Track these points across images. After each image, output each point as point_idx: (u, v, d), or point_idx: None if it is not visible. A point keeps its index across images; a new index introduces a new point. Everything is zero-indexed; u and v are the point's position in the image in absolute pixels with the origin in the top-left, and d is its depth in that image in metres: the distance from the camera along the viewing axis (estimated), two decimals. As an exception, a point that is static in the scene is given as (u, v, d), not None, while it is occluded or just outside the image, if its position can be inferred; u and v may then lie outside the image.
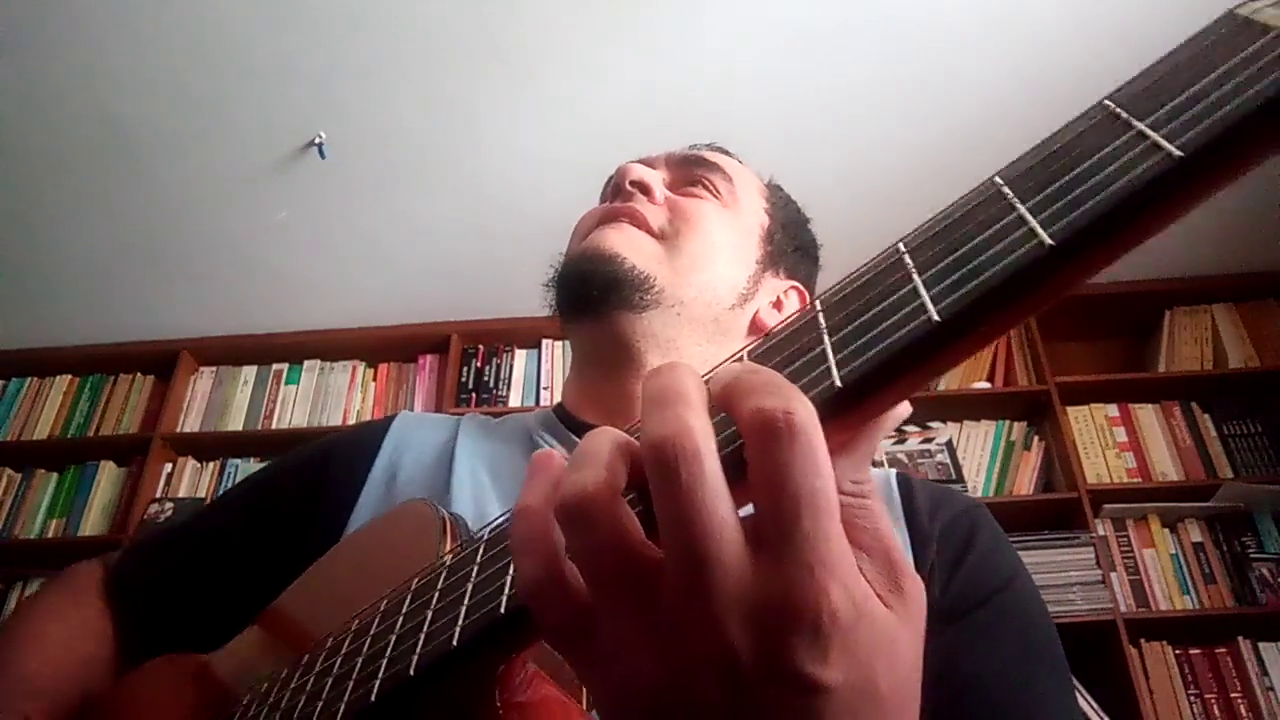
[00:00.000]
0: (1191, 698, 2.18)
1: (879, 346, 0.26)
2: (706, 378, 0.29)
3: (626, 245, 0.72)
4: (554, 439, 0.73)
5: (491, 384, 2.83)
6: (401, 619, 0.38)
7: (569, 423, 0.75)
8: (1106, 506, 2.40)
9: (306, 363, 2.97)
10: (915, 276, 0.27)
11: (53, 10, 2.01)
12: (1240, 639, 2.24)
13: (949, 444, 2.55)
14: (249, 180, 2.45)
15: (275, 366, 2.97)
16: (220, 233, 2.61)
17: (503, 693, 0.36)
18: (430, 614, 0.36)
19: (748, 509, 0.26)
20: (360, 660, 0.39)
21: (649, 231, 0.74)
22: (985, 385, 2.66)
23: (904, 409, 0.28)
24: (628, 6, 2.04)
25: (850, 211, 2.24)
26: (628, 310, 0.71)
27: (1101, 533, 2.37)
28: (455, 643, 0.33)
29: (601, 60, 2.15)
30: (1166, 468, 2.49)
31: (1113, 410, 2.59)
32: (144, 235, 2.61)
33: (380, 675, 0.36)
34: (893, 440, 2.57)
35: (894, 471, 0.73)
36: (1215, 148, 0.22)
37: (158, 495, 2.76)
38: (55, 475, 2.86)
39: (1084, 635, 2.20)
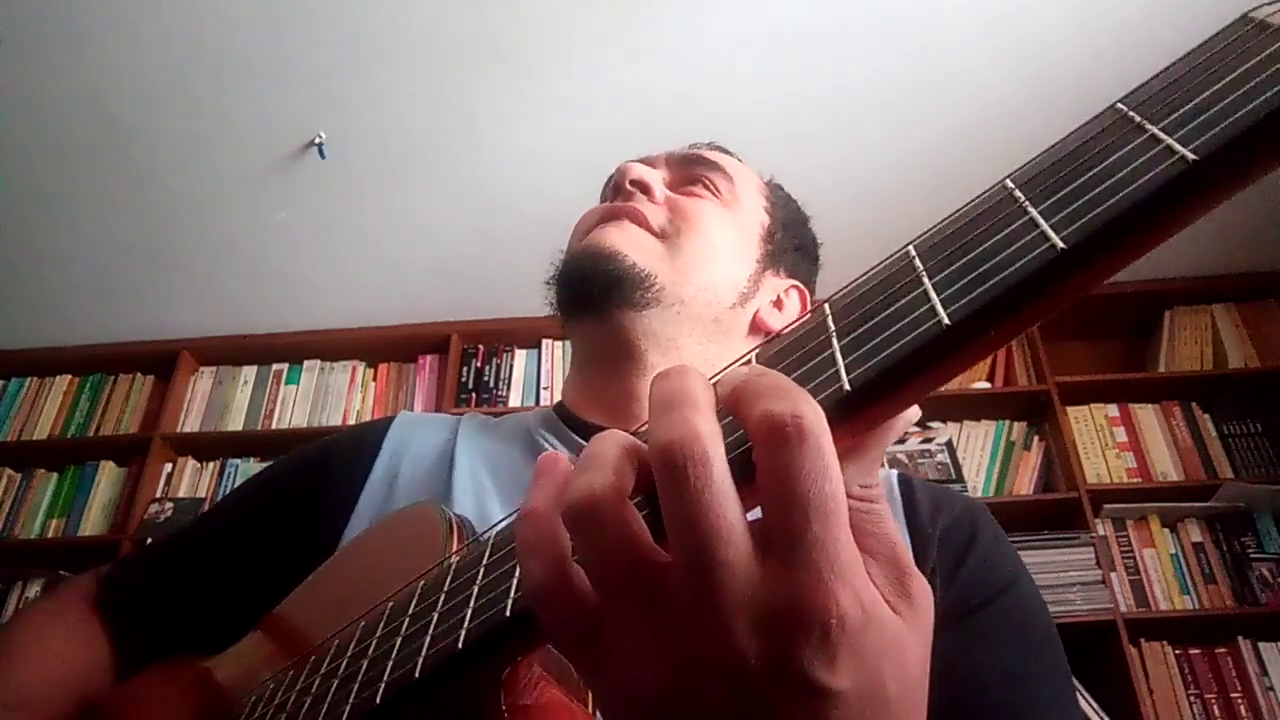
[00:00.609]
0: (1191, 698, 2.18)
1: (889, 350, 0.26)
2: (714, 380, 0.29)
3: (627, 243, 0.72)
4: (554, 438, 0.73)
5: (491, 384, 2.83)
6: (407, 621, 0.38)
7: (569, 421, 0.75)
8: (1106, 506, 2.40)
9: (306, 363, 2.97)
10: (925, 280, 0.27)
11: (53, 11, 2.01)
12: (1240, 639, 2.24)
13: (949, 444, 2.55)
14: (249, 180, 2.44)
15: (275, 366, 2.97)
16: (220, 233, 2.60)
17: (508, 696, 0.35)
18: (436, 616, 0.36)
19: (756, 513, 0.26)
20: (366, 662, 0.39)
21: (649, 230, 0.74)
22: (985, 385, 2.66)
23: (913, 413, 0.28)
24: (628, 7, 2.04)
25: (850, 211, 2.24)
26: (628, 308, 0.70)
27: (1101, 533, 2.37)
28: (461, 645, 0.33)
29: (601, 60, 2.15)
30: (1166, 468, 2.49)
31: (1113, 410, 2.59)
32: (144, 235, 2.60)
33: (385, 677, 0.36)
34: (894, 442, 2.56)
35: (895, 472, 0.73)
36: (1229, 152, 0.22)
37: (158, 495, 2.76)
38: (55, 475, 2.85)
39: (1084, 635, 2.20)
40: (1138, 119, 0.24)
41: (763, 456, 0.25)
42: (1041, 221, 0.24)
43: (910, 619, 0.27)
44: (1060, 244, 0.23)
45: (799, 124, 2.26)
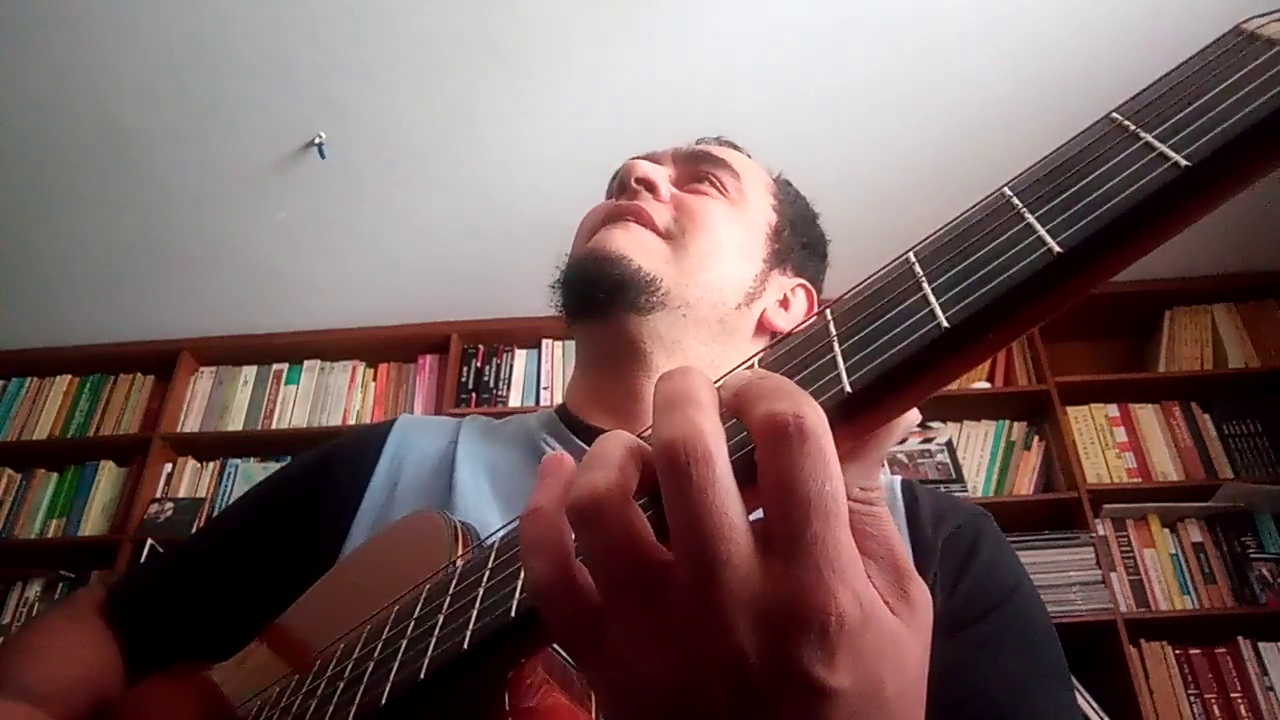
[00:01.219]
0: (1191, 698, 2.18)
1: (889, 353, 0.26)
2: (718, 383, 0.29)
3: (632, 246, 0.71)
4: (557, 441, 0.72)
5: (491, 384, 2.83)
6: (413, 624, 0.38)
7: (572, 424, 0.74)
8: (1106, 506, 2.40)
9: (306, 363, 2.97)
10: (925, 285, 0.27)
11: (53, 11, 2.01)
12: (1240, 639, 2.24)
13: (949, 444, 2.55)
14: (249, 180, 2.45)
15: (275, 366, 2.97)
16: (220, 233, 2.61)
17: (512, 698, 0.36)
18: (441, 619, 0.36)
19: (758, 514, 0.26)
20: (371, 665, 0.39)
21: (655, 230, 0.73)
22: (985, 385, 2.66)
23: (914, 416, 0.29)
24: (628, 7, 2.04)
25: (850, 210, 2.24)
26: (634, 312, 0.70)
27: (1101, 533, 2.37)
28: (466, 646, 0.33)
29: (602, 60, 2.15)
30: (1166, 468, 2.49)
31: (1113, 410, 2.59)
32: (144, 235, 2.61)
33: (391, 679, 0.36)
34: (895, 445, 2.56)
35: (898, 479, 0.72)
36: (1221, 159, 0.22)
37: (158, 495, 2.76)
38: (55, 475, 2.86)
39: (1084, 635, 2.20)
40: (1132, 127, 0.25)
41: (765, 456, 0.25)
42: (1038, 226, 0.25)
43: (909, 620, 0.27)
44: (1056, 248, 0.24)
45: (799, 123, 2.26)
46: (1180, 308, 2.70)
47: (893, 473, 2.28)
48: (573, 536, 0.28)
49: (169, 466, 2.84)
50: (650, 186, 0.75)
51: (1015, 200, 0.27)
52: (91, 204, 2.50)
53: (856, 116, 2.27)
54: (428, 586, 0.40)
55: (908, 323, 0.26)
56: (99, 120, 2.27)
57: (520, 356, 2.88)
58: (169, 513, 2.68)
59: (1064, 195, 0.25)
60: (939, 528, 0.66)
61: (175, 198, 2.49)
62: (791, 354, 0.30)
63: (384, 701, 0.36)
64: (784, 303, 0.79)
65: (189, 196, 2.49)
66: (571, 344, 0.85)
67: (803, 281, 0.81)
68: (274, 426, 2.85)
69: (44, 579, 2.68)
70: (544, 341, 2.86)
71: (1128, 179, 0.24)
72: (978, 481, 2.52)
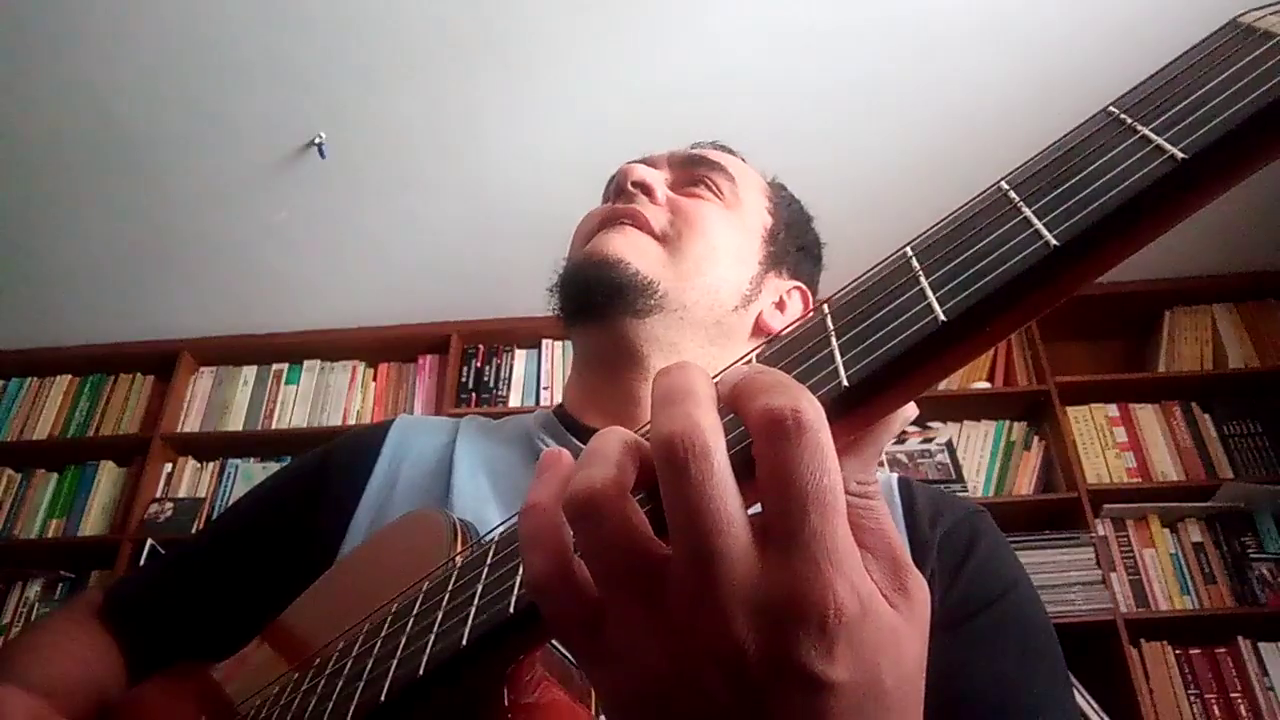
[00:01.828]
0: (1191, 698, 2.18)
1: (886, 347, 0.26)
2: (716, 379, 0.29)
3: (629, 249, 0.71)
4: (555, 442, 0.72)
5: (491, 384, 2.83)
6: (412, 620, 0.38)
7: (569, 425, 0.75)
8: (1106, 506, 2.40)
9: (306, 363, 2.97)
10: (922, 279, 0.27)
11: (53, 11, 2.02)
12: (1240, 639, 2.24)
13: (949, 444, 2.55)
14: (249, 180, 2.45)
15: (275, 366, 2.97)
16: (220, 233, 2.61)
17: (511, 693, 0.36)
18: (441, 614, 0.36)
19: (756, 509, 0.26)
20: (371, 661, 0.39)
21: (651, 234, 0.73)
22: (985, 385, 2.66)
23: (910, 410, 0.29)
24: (628, 7, 2.04)
25: (850, 210, 2.25)
26: (631, 315, 0.70)
27: (1101, 533, 2.37)
28: (465, 642, 0.33)
29: (602, 60, 2.15)
30: (1166, 468, 2.49)
31: (1113, 410, 2.59)
32: (144, 235, 2.61)
33: (390, 675, 0.36)
34: (892, 440, 2.56)
35: (895, 476, 0.73)
36: (1217, 151, 0.22)
37: (158, 495, 2.76)
38: (55, 475, 2.86)
39: (1084, 635, 2.20)
40: (1129, 120, 0.25)
41: (762, 450, 0.25)
42: (1035, 220, 0.25)
43: (907, 613, 0.27)
44: (1053, 241, 0.24)
45: (799, 123, 2.26)
46: (1180, 308, 2.70)
47: (891, 472, 2.28)
48: (571, 532, 0.28)
49: (169, 466, 2.84)
50: (646, 190, 0.75)
51: (1012, 194, 0.27)
52: (92, 204, 2.50)
53: (857, 116, 2.27)
54: (427, 583, 0.40)
55: (905, 317, 0.26)
56: (99, 120, 2.27)
57: (520, 356, 2.88)
58: (169, 513, 2.68)
59: (1060, 189, 0.25)
60: (936, 524, 0.66)
61: (175, 198, 2.49)
62: (789, 349, 0.30)
63: (384, 698, 0.36)
64: (780, 305, 0.79)
65: (189, 197, 2.49)
66: (571, 344, 0.84)
67: (798, 284, 0.81)
68: (274, 426, 2.85)
69: (44, 579, 2.68)
70: (544, 341, 2.86)
71: (1124, 172, 0.24)
72: (978, 481, 2.52)
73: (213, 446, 2.86)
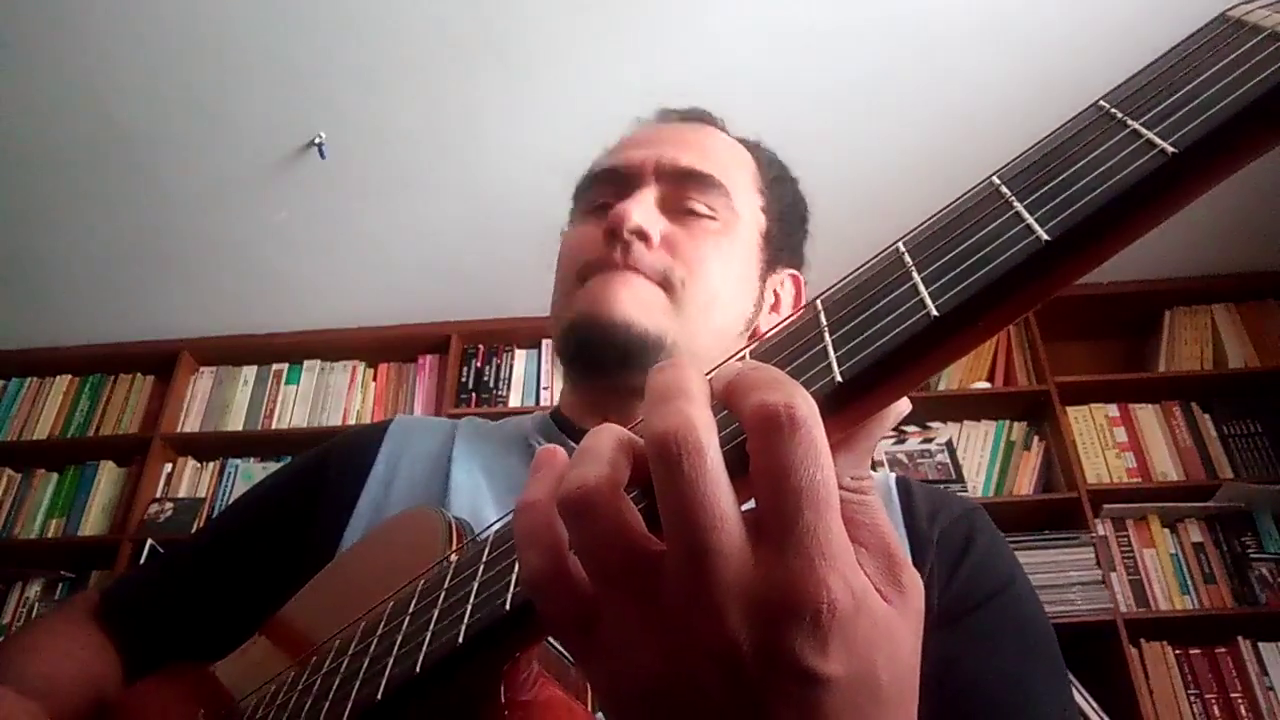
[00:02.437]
0: (1191, 698, 2.18)
1: (879, 342, 0.26)
2: (709, 375, 0.29)
3: (636, 307, 0.68)
4: (550, 443, 0.72)
5: (491, 384, 2.83)
6: (408, 619, 0.38)
7: (567, 428, 0.74)
8: (1106, 506, 2.40)
9: (306, 363, 2.97)
10: (914, 274, 0.27)
11: (53, 11, 2.02)
12: (1240, 639, 2.24)
13: (949, 444, 2.55)
14: (249, 180, 2.45)
15: (275, 366, 2.97)
16: (220, 233, 2.61)
17: (508, 691, 0.36)
18: (436, 613, 0.36)
19: (750, 505, 0.26)
20: (367, 660, 0.39)
21: (653, 280, 0.70)
22: (985, 385, 2.66)
23: (904, 405, 0.29)
24: (628, 7, 2.04)
25: (850, 211, 2.25)
26: (640, 370, 0.67)
27: (1101, 533, 2.37)
28: (462, 640, 0.33)
29: (601, 60, 2.15)
30: (1166, 468, 2.49)
31: (1113, 410, 2.59)
32: (144, 235, 2.61)
33: (387, 674, 0.36)
34: (893, 440, 2.57)
35: (893, 475, 0.72)
36: (1207, 145, 0.22)
37: (158, 495, 2.76)
38: (55, 475, 2.86)
39: (1084, 635, 2.20)
40: (1119, 115, 0.25)
41: (756, 446, 0.25)
42: (1026, 215, 0.25)
43: (901, 608, 0.27)
44: (1045, 235, 0.24)
45: (800, 123, 2.26)
46: (1180, 308, 2.70)
47: (890, 471, 2.28)
48: (565, 529, 0.28)
49: (169, 466, 2.84)
50: (643, 237, 0.70)
51: (1004, 189, 0.27)
52: (92, 204, 2.51)
53: (857, 117, 2.27)
54: (423, 581, 0.40)
55: (897, 312, 0.26)
56: (99, 120, 2.27)
57: (520, 356, 2.88)
58: (169, 513, 2.68)
59: (1052, 183, 0.25)
60: (934, 522, 0.66)
61: (175, 198, 2.49)
62: (783, 345, 0.30)
63: (380, 696, 0.36)
64: (775, 304, 0.78)
65: (189, 196, 2.49)
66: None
67: (790, 270, 0.80)
68: (274, 426, 2.85)
69: (44, 579, 2.68)
70: (544, 341, 2.86)
71: (1115, 166, 0.24)
72: (978, 482, 2.52)
73: (213, 446, 2.86)
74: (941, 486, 2.35)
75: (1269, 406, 2.52)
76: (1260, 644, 2.24)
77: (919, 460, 2.52)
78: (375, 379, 2.95)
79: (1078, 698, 2.11)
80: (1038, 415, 2.61)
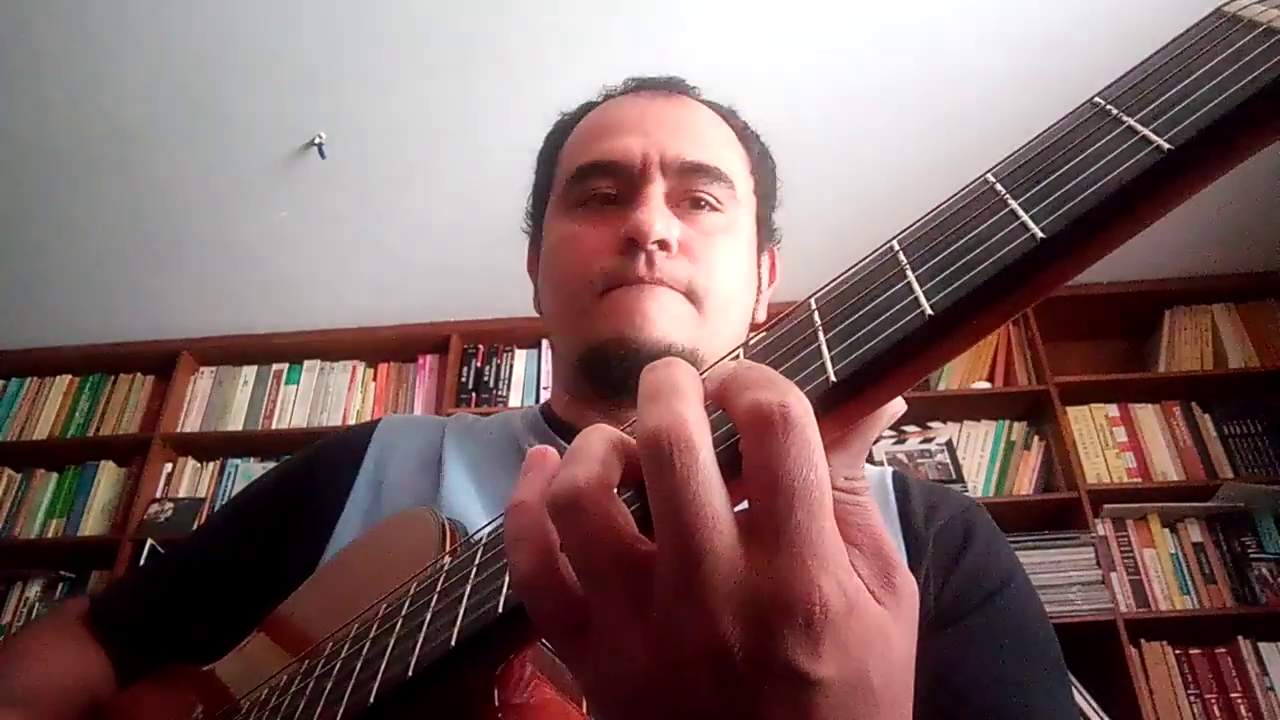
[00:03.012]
0: (1191, 698, 2.18)
1: (873, 342, 0.26)
2: (703, 375, 0.29)
3: (669, 324, 0.67)
4: (541, 442, 0.70)
5: (491, 384, 2.83)
6: (400, 621, 0.38)
7: (556, 425, 0.74)
8: (1106, 506, 2.40)
9: (306, 363, 2.97)
10: (909, 272, 0.27)
11: (53, 11, 2.02)
12: (1240, 639, 2.24)
13: (949, 444, 2.55)
14: (249, 180, 2.45)
15: (275, 366, 2.97)
16: (220, 233, 2.61)
17: (502, 694, 0.36)
18: (429, 615, 0.36)
19: (743, 507, 0.26)
20: (359, 663, 0.39)
21: (680, 292, 0.68)
22: (985, 385, 2.66)
23: (898, 406, 0.29)
24: (628, 7, 2.04)
25: (850, 211, 2.25)
26: None
27: (1101, 533, 2.37)
28: (454, 643, 0.33)
29: (601, 59, 2.15)
30: (1166, 468, 2.49)
31: (1113, 410, 2.59)
32: (144, 235, 2.61)
33: (379, 677, 0.36)
34: (892, 440, 2.57)
35: (890, 470, 0.71)
36: (1203, 141, 0.22)
37: (158, 495, 2.76)
38: (55, 475, 2.86)
39: (1084, 635, 2.20)
40: (1115, 111, 0.25)
41: (749, 446, 0.25)
42: (1021, 212, 0.25)
43: (894, 609, 0.27)
44: (1040, 233, 0.24)
45: (801, 123, 2.26)
46: (1180, 308, 2.70)
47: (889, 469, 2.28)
48: (555, 530, 0.28)
49: (169, 466, 2.84)
50: (665, 246, 0.68)
51: (999, 186, 0.27)
52: (92, 204, 2.50)
53: (857, 117, 2.27)
54: (416, 584, 0.40)
55: (892, 310, 0.26)
56: (99, 120, 2.27)
57: (520, 356, 2.88)
58: (169, 513, 2.68)
59: (1047, 180, 0.25)
60: (931, 520, 0.65)
61: (175, 198, 2.49)
62: (777, 344, 0.30)
63: (373, 700, 0.36)
64: (761, 286, 0.78)
65: (189, 196, 2.49)
66: (553, 350, 0.81)
67: (770, 246, 0.80)
68: (274, 427, 2.85)
69: (44, 579, 2.68)
70: (544, 341, 2.85)
71: (1111, 163, 0.23)
72: (978, 481, 2.52)
73: (213, 446, 2.86)
74: (938, 486, 2.35)
75: (1269, 406, 2.51)
76: (1260, 644, 2.23)
77: (919, 460, 2.51)
78: (375, 379, 2.94)
79: (1078, 698, 2.11)
80: (1038, 415, 2.61)
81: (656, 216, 0.67)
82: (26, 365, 3.01)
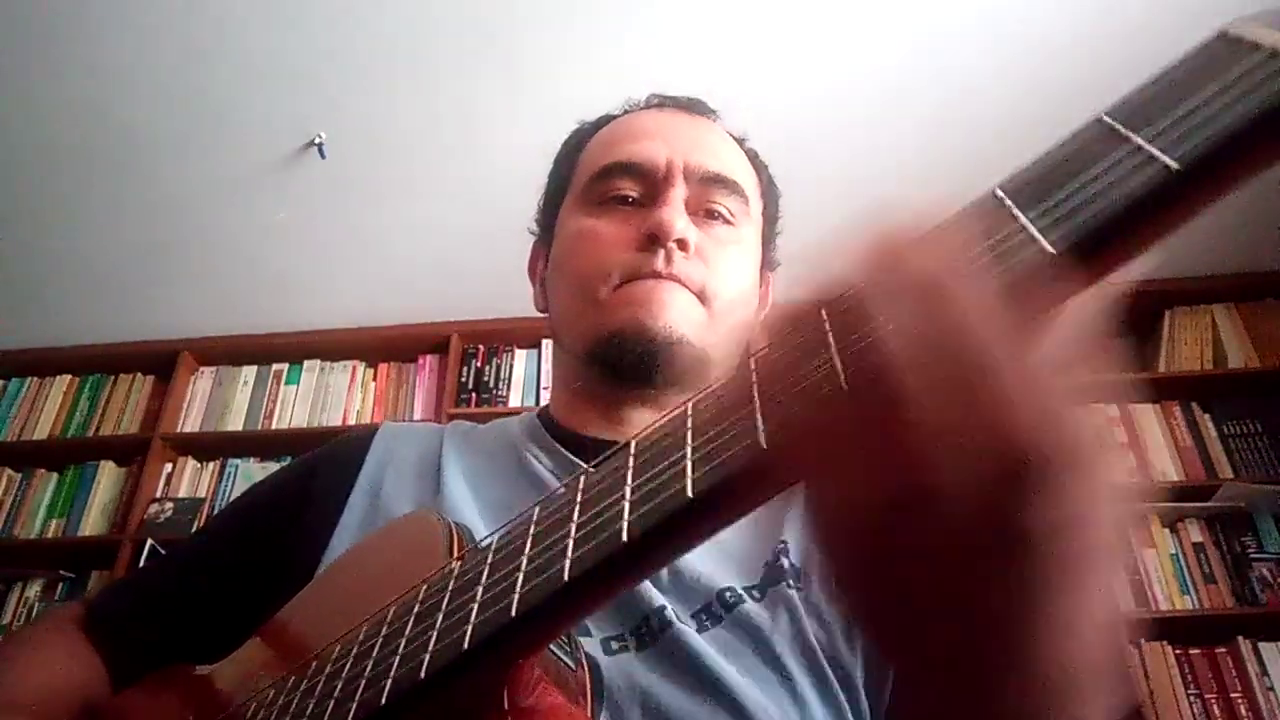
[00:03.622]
0: (1191, 698, 2.18)
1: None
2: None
3: (686, 322, 0.68)
4: (541, 449, 0.72)
5: (491, 384, 2.83)
6: (412, 622, 0.39)
7: (556, 433, 0.74)
8: (1106, 506, 2.40)
9: (306, 363, 2.97)
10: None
11: (54, 10, 2.02)
12: (1240, 639, 2.24)
13: (949, 444, 2.54)
14: (249, 180, 2.45)
15: (275, 366, 2.97)
16: (220, 233, 2.61)
17: (511, 696, 0.36)
18: (441, 617, 0.36)
19: None
20: (370, 663, 0.39)
21: (694, 292, 0.70)
22: (985, 385, 2.66)
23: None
24: (629, 7, 2.04)
25: (848, 210, 2.24)
26: (678, 389, 0.69)
27: (1101, 533, 2.37)
28: (466, 645, 0.33)
29: (602, 59, 2.15)
30: (1166, 468, 2.49)
31: (1112, 410, 2.59)
32: (144, 235, 2.61)
33: (391, 678, 0.37)
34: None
35: None
36: (1210, 161, 0.22)
37: (158, 495, 2.76)
38: (55, 475, 2.86)
39: (1083, 635, 2.20)
40: (1123, 130, 0.25)
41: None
42: (1030, 227, 0.25)
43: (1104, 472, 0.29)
44: (1050, 249, 0.24)
45: (802, 124, 2.26)
46: (1180, 308, 2.70)
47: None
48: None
49: (169, 466, 2.84)
50: (685, 246, 0.70)
51: (1007, 201, 0.27)
52: (92, 204, 2.51)
53: (856, 119, 2.27)
54: (425, 586, 0.41)
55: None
56: (99, 120, 2.27)
57: (520, 356, 2.88)
58: (169, 513, 2.68)
59: (1056, 197, 0.25)
60: None
61: (175, 198, 2.49)
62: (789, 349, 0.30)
63: (384, 700, 0.36)
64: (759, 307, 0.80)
65: (189, 196, 2.49)
66: (556, 356, 0.82)
67: (767, 274, 0.82)
68: (274, 427, 2.86)
69: (44, 579, 2.68)
70: (544, 341, 2.85)
71: (1118, 181, 0.24)
72: (977, 481, 2.52)
73: (213, 446, 2.86)
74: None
75: (1269, 406, 2.52)
76: (1260, 644, 2.24)
77: (919, 460, 2.51)
78: (375, 379, 2.95)
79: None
80: (1038, 415, 2.61)
81: (679, 217, 0.69)
82: (26, 365, 3.01)
